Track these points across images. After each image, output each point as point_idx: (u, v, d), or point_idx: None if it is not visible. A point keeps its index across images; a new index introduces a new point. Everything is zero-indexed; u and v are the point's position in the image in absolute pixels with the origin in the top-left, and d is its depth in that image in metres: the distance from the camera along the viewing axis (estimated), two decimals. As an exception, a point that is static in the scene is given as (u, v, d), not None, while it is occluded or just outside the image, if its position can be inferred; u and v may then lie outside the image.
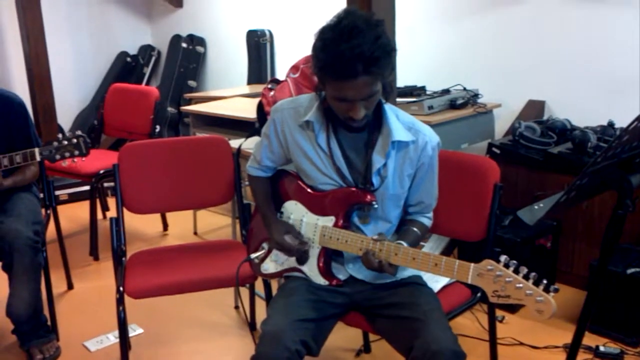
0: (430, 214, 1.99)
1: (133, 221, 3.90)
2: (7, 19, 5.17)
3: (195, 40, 5.79)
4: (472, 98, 3.59)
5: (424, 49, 4.06)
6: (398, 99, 3.30)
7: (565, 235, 3.07)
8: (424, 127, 1.87)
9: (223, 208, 4.20)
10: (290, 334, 1.68)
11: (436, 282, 2.09)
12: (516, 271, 1.54)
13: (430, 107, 3.35)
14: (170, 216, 4.07)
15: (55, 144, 2.52)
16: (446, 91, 3.63)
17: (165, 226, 4.06)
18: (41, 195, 2.88)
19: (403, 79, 3.69)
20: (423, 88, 3.72)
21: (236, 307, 3.05)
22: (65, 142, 2.53)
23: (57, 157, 2.53)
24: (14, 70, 5.21)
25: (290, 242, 1.90)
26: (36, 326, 2.64)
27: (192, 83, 5.81)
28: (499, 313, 2.87)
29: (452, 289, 2.14)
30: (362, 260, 1.78)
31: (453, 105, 3.48)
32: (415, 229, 1.91)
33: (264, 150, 2.02)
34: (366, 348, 2.64)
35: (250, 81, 5.28)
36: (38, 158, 2.51)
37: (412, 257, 1.69)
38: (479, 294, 2.11)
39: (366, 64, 1.59)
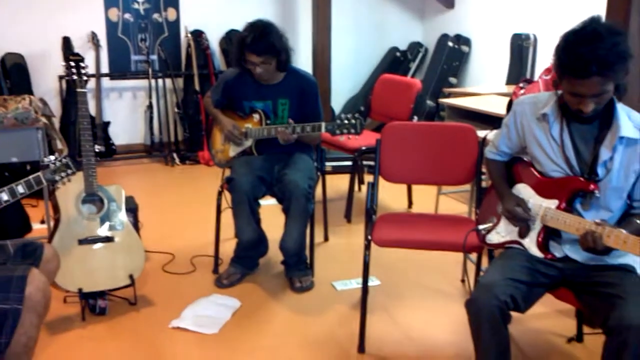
0: (656, 211, 2.11)
1: (383, 195, 4.43)
2: (302, 15, 6.10)
3: (462, 40, 6.15)
4: None
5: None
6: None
7: None
8: (655, 127, 2.03)
9: (462, 196, 4.54)
10: (502, 288, 1.99)
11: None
12: None
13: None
14: (416, 195, 4.53)
15: (338, 121, 2.98)
16: None
17: (410, 204, 4.53)
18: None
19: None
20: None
21: (462, 281, 3.39)
22: (346, 121, 2.97)
23: (337, 132, 2.98)
24: (301, 58, 6.09)
25: (519, 211, 2.19)
26: (299, 261, 3.29)
27: (452, 80, 6.19)
28: None
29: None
30: (579, 240, 1.96)
31: None
32: (638, 220, 2.05)
33: (503, 138, 2.34)
34: (578, 337, 2.79)
35: (509, 81, 5.48)
36: (323, 130, 3.01)
37: (624, 240, 1.85)
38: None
39: (600, 66, 1.83)
